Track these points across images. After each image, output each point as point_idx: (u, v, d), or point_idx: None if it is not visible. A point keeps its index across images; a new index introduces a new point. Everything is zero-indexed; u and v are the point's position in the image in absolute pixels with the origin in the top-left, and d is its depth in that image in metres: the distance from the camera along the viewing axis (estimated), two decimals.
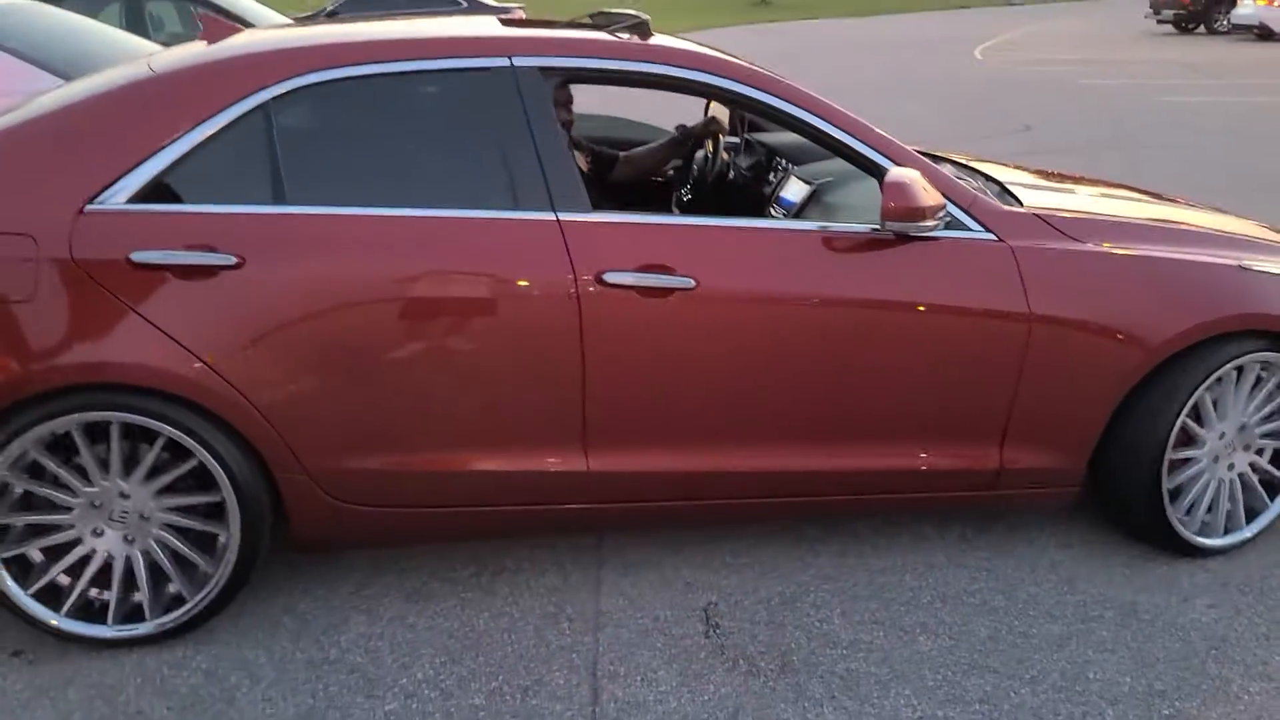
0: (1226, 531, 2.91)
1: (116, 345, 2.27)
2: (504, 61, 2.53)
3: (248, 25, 9.55)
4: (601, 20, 2.90)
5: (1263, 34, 21.78)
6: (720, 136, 3.69)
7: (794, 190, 3.05)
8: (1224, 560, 2.87)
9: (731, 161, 3.71)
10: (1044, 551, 2.92)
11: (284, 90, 2.42)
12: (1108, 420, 2.73)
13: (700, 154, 3.78)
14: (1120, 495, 2.84)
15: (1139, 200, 3.23)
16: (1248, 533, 2.92)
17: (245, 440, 2.41)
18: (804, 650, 2.49)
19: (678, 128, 3.79)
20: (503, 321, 2.43)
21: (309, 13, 14.48)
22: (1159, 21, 25.87)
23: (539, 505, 2.61)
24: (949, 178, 2.71)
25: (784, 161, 3.42)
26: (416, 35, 2.59)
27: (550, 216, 2.47)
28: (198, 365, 2.30)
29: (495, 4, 16.15)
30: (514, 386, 2.49)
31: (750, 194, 3.49)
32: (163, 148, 2.34)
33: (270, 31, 2.77)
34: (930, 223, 2.52)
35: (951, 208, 2.63)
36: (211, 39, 2.73)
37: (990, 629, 2.57)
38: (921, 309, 2.57)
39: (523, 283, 2.43)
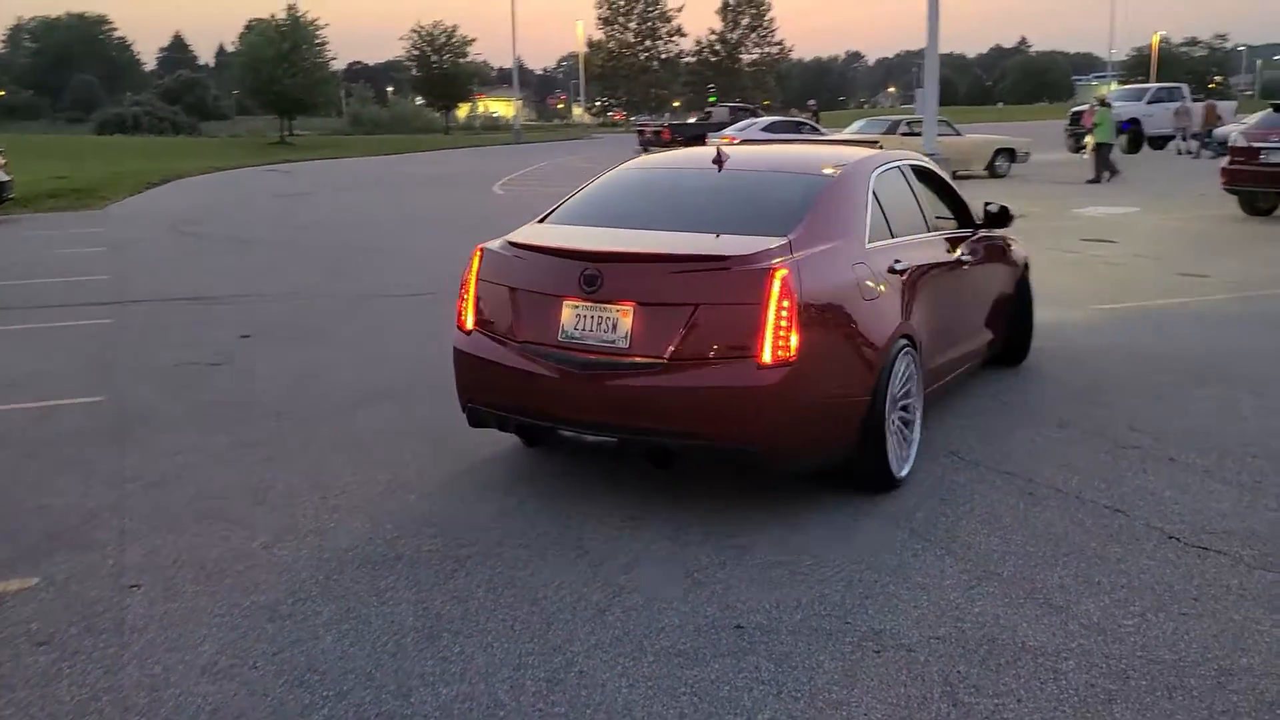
0: None
1: (911, 313, 4.56)
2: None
3: None
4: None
5: None
6: None
7: None
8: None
9: None
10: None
11: (877, 174, 4.90)
12: None
13: None
14: None
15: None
16: None
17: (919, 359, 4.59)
18: None
19: None
20: (940, 278, 5.16)
21: None
22: (647, 153, 29.89)
23: (944, 380, 5.19)
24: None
25: None
26: (916, 155, 5.65)
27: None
28: (916, 320, 4.58)
29: None
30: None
31: None
32: (865, 215, 4.60)
33: (834, 149, 5.48)
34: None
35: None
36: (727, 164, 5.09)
37: None
38: (987, 264, 5.85)
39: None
